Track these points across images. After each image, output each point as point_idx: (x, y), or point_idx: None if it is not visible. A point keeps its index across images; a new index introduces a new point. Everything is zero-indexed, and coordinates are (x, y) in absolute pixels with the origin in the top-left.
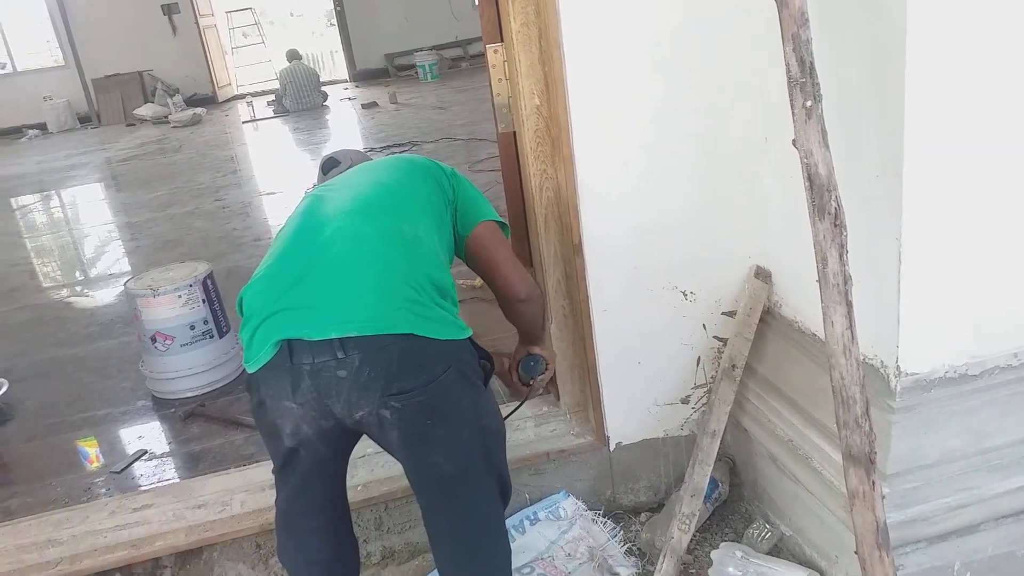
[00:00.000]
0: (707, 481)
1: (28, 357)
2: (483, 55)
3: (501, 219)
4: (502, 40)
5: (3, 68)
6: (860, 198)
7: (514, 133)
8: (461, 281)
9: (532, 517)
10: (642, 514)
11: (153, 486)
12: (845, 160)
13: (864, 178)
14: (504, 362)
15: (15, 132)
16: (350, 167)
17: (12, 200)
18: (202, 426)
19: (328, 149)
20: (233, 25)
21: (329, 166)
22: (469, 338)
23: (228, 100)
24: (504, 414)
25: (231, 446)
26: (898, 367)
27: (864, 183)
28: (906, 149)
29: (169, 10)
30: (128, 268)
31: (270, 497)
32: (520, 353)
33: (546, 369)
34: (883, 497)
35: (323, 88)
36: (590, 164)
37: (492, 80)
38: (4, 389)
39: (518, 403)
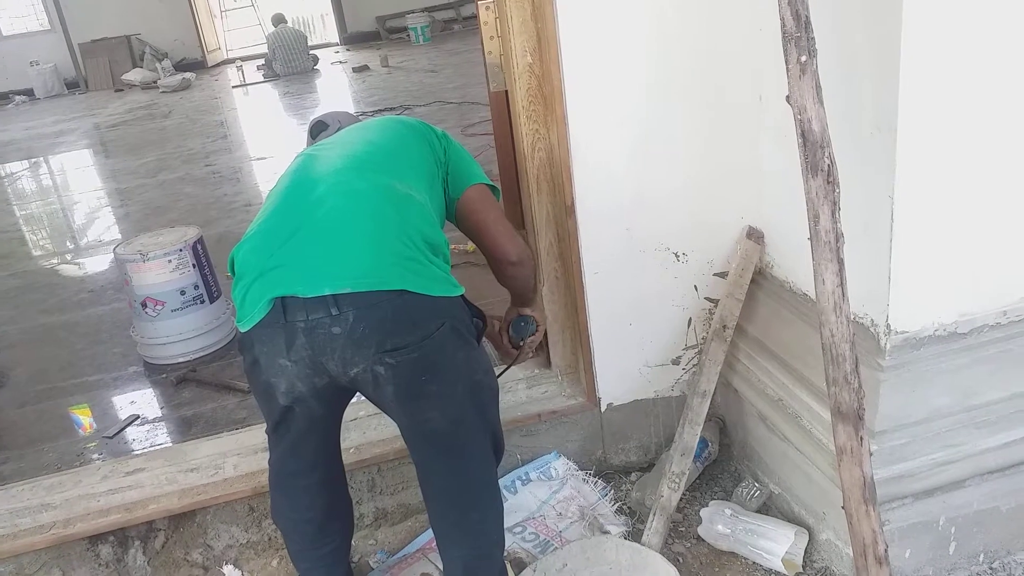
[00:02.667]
0: (697, 440)
1: (19, 324)
2: (476, 16)
3: (492, 183)
4: None
5: None
6: (853, 155)
7: (506, 92)
8: (453, 245)
9: (524, 477)
10: (632, 474)
11: (145, 451)
12: (839, 117)
13: (858, 135)
14: (495, 324)
15: (2, 98)
16: (339, 129)
17: (0, 167)
18: (194, 391)
19: (318, 113)
20: None
21: (318, 130)
22: (462, 296)
23: (218, 64)
24: (497, 373)
25: (223, 410)
26: (888, 325)
27: (858, 140)
28: (901, 106)
29: None
30: (118, 235)
31: (263, 460)
32: (511, 315)
33: (537, 330)
34: (870, 453)
35: (313, 52)
36: (583, 123)
37: (484, 38)
38: None
39: (507, 365)
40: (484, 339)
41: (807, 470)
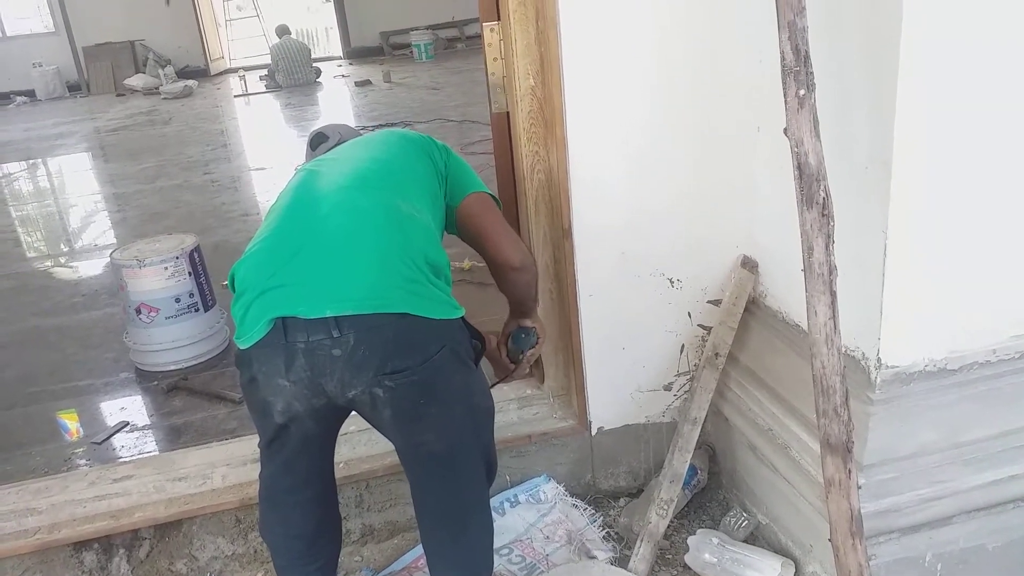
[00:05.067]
0: (687, 468)
1: (10, 325)
2: (479, 35)
3: (492, 192)
4: (499, 19)
5: None
6: (848, 189)
7: (507, 114)
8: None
9: (512, 499)
10: (621, 499)
11: (134, 458)
12: (834, 150)
13: (853, 169)
14: (492, 340)
15: (3, 98)
16: (339, 142)
17: None
18: (185, 399)
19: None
20: None
21: (318, 141)
22: (461, 317)
23: (220, 73)
24: (491, 384)
25: (213, 420)
26: (879, 359)
27: (853, 174)
28: (896, 142)
29: None
30: (114, 239)
31: (251, 471)
32: (511, 326)
33: (537, 342)
34: (859, 487)
35: (316, 64)
36: (583, 147)
37: (487, 59)
38: None
39: (503, 379)
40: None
41: (795, 501)
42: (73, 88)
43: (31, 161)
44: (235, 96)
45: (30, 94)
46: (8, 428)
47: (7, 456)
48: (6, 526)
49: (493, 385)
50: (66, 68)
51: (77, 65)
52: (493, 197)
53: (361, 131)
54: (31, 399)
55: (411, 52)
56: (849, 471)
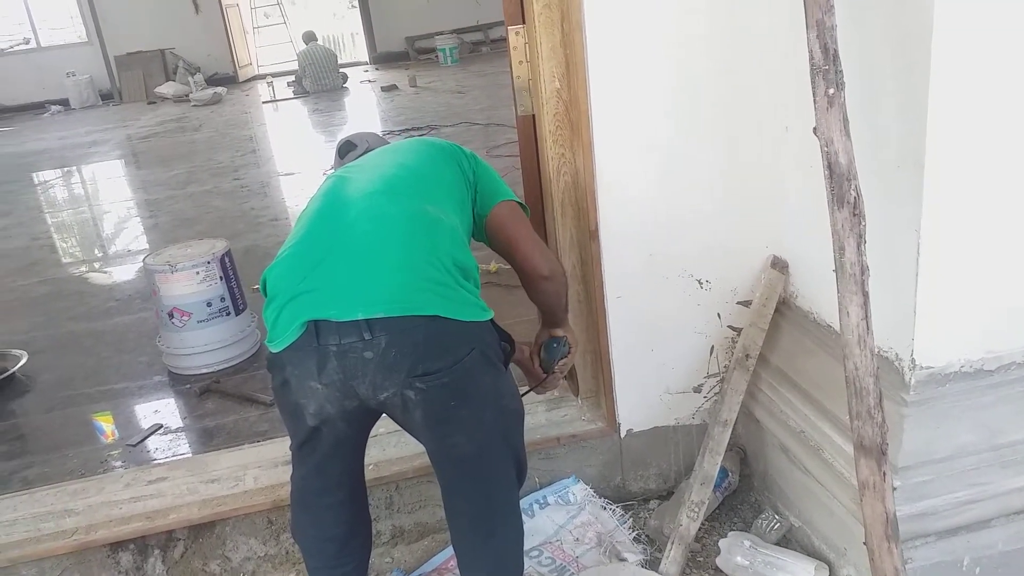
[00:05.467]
0: (717, 470)
1: (47, 330)
2: (504, 39)
3: (520, 200)
4: (524, 22)
5: (27, 43)
6: (880, 188)
7: (533, 117)
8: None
9: (542, 501)
10: (651, 501)
11: (168, 460)
12: (865, 149)
13: (884, 168)
14: (524, 350)
15: (38, 107)
16: (367, 150)
17: (34, 175)
18: (217, 402)
19: (347, 131)
20: (255, 5)
21: (346, 149)
22: (490, 320)
23: (249, 80)
24: (522, 392)
25: (245, 422)
26: (913, 360)
27: (884, 173)
28: (928, 139)
29: None
30: (146, 245)
31: (283, 473)
32: (542, 336)
33: (569, 352)
34: (893, 489)
35: (343, 70)
36: (609, 149)
37: (512, 63)
38: (24, 361)
39: (534, 388)
40: (513, 365)
41: (828, 504)
42: (106, 97)
43: (65, 169)
44: (263, 102)
45: (64, 103)
46: (46, 431)
47: (46, 458)
48: (45, 527)
49: (524, 394)
50: (99, 77)
51: (109, 74)
52: (521, 205)
53: (388, 139)
54: (68, 402)
55: (436, 56)
56: (884, 473)
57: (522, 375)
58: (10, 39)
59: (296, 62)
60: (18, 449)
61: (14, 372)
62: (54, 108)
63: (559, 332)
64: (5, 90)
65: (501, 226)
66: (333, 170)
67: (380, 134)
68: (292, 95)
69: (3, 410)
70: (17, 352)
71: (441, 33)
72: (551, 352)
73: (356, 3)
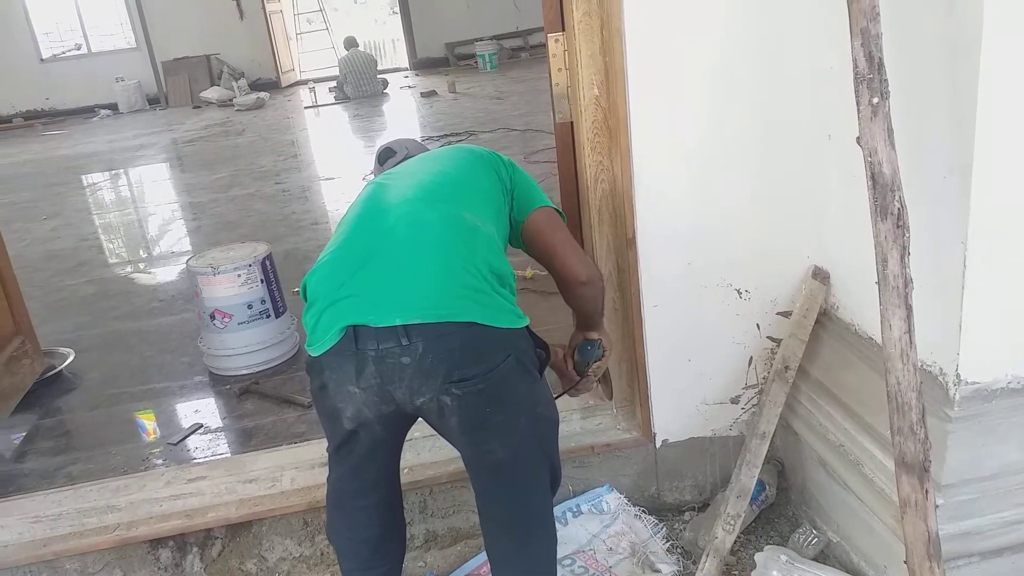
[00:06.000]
0: (754, 482)
1: (94, 329)
2: (543, 45)
3: (557, 207)
4: (564, 30)
5: (78, 49)
6: (925, 199)
7: (571, 124)
8: None
9: (575, 509)
10: (686, 513)
11: (207, 459)
12: (910, 159)
13: (930, 178)
14: (559, 352)
15: (88, 111)
16: (406, 156)
17: (83, 177)
18: (256, 403)
19: (386, 137)
20: (298, 11)
21: (385, 156)
22: (526, 327)
23: (291, 85)
24: (556, 394)
25: (283, 424)
26: (958, 375)
27: (929, 183)
28: (976, 149)
29: None
30: (189, 247)
31: (319, 475)
32: (576, 339)
33: (603, 355)
34: (936, 507)
35: (384, 76)
36: (648, 156)
37: (552, 70)
38: (71, 359)
39: (567, 390)
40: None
41: (868, 520)
42: (152, 101)
43: (113, 171)
44: (305, 107)
45: (113, 107)
46: (91, 427)
47: (90, 454)
48: (88, 522)
49: (558, 396)
50: (146, 82)
51: (156, 79)
52: (558, 211)
53: (427, 145)
54: (112, 400)
55: (475, 62)
56: (926, 491)
57: (555, 380)
58: (63, 45)
59: (337, 68)
60: (64, 445)
61: (61, 370)
62: (103, 112)
63: (594, 335)
64: (58, 94)
65: (538, 232)
66: (373, 176)
67: (419, 140)
68: (334, 100)
69: (50, 407)
70: (64, 350)
71: (481, 39)
72: (585, 355)
73: (397, 9)
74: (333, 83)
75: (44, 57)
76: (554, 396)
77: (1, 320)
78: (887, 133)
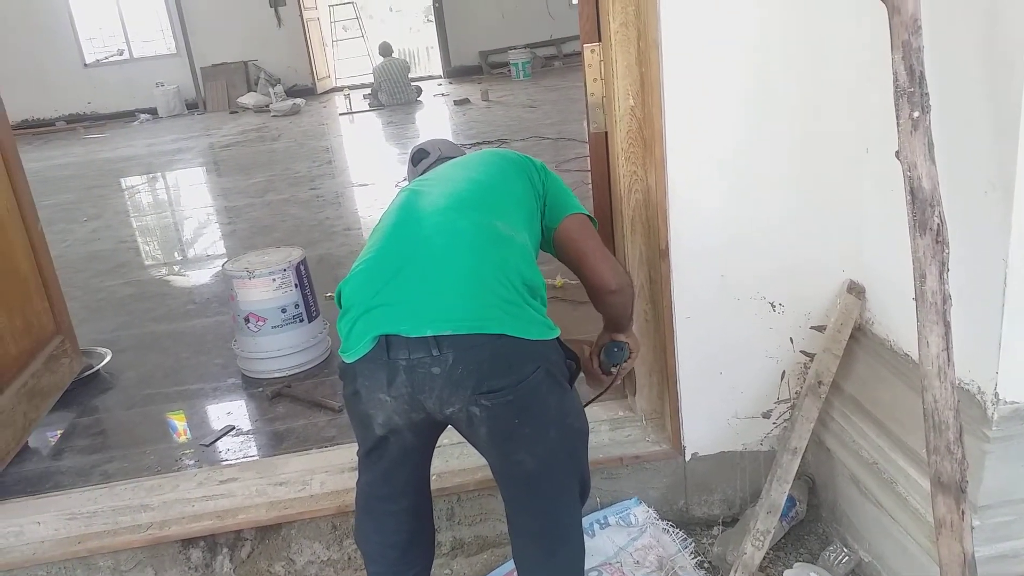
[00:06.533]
0: (785, 498)
1: (131, 330)
2: (576, 54)
3: (589, 213)
4: (600, 40)
5: (120, 55)
6: (965, 215)
7: (606, 134)
8: None
9: (602, 521)
10: (715, 527)
11: (239, 461)
12: (950, 174)
13: (970, 194)
14: (585, 350)
15: (128, 116)
16: (439, 157)
17: (122, 180)
18: (287, 406)
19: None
20: (335, 19)
21: (419, 157)
22: (557, 338)
23: (326, 92)
24: (585, 402)
25: (314, 427)
26: (996, 394)
27: (970, 199)
28: (1019, 165)
29: (276, 2)
30: (224, 250)
31: (349, 479)
32: (603, 339)
33: (630, 357)
34: (972, 529)
35: (418, 83)
36: (682, 167)
37: (587, 80)
38: (108, 359)
39: (599, 392)
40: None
41: (901, 540)
42: (191, 106)
43: (151, 175)
44: (340, 114)
45: (152, 111)
46: (127, 427)
47: (125, 453)
48: (122, 519)
49: (588, 404)
50: (185, 87)
51: (195, 84)
52: (590, 217)
53: (461, 146)
54: (147, 400)
55: (509, 71)
56: (962, 512)
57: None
58: (106, 51)
59: (372, 75)
60: (100, 443)
61: (98, 369)
62: (143, 116)
63: (621, 337)
64: (99, 99)
65: (569, 239)
66: (406, 180)
67: (451, 141)
68: (368, 107)
69: (87, 405)
70: (102, 350)
71: (515, 48)
72: (611, 356)
73: (432, 18)
74: (368, 90)
75: (88, 62)
76: (588, 401)
77: (43, 319)
78: (927, 147)
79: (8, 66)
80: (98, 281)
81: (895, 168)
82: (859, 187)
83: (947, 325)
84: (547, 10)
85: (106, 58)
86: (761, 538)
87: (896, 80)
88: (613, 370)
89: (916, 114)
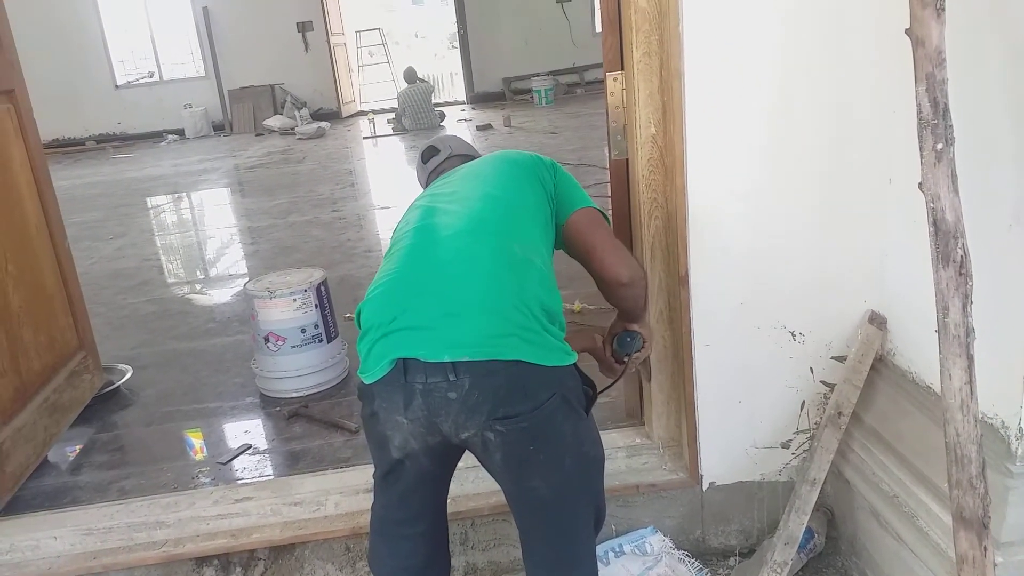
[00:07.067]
0: (803, 530)
1: (152, 347)
2: (598, 82)
3: (599, 208)
4: (623, 68)
5: (151, 77)
6: (989, 247)
7: (627, 161)
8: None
9: (617, 549)
10: (731, 558)
11: (254, 480)
12: (973, 205)
13: (995, 226)
14: (597, 338)
15: (156, 136)
16: (450, 155)
17: (148, 200)
18: (304, 426)
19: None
20: (361, 44)
21: (429, 154)
22: (574, 364)
23: (351, 116)
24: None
25: (330, 448)
26: (1020, 428)
27: (994, 231)
28: None
29: (304, 27)
30: (246, 270)
31: (363, 501)
32: (616, 328)
33: (643, 347)
34: (995, 565)
35: (441, 108)
36: (703, 195)
37: (609, 107)
38: (128, 376)
39: (612, 381)
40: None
41: (922, 575)
42: (217, 128)
43: (177, 194)
44: (364, 138)
45: (180, 132)
46: (146, 443)
47: (143, 470)
48: (138, 536)
49: (602, 391)
50: (212, 109)
51: (222, 106)
52: (601, 211)
53: (471, 145)
54: (166, 417)
55: (531, 97)
56: (984, 548)
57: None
58: (136, 72)
59: (396, 100)
60: (118, 460)
61: (119, 386)
62: (170, 137)
63: (634, 327)
64: (128, 119)
65: (578, 233)
66: (421, 192)
67: (460, 137)
68: (391, 132)
69: (107, 421)
70: (123, 367)
71: (537, 75)
72: (625, 346)
73: (456, 44)
74: (392, 115)
75: (119, 84)
76: (602, 389)
77: (66, 335)
78: (951, 179)
79: (42, 87)
80: (121, 298)
81: (918, 199)
82: (881, 218)
83: (970, 358)
84: (570, 38)
85: (136, 80)
86: (779, 570)
87: (920, 112)
88: (625, 359)
89: (940, 146)
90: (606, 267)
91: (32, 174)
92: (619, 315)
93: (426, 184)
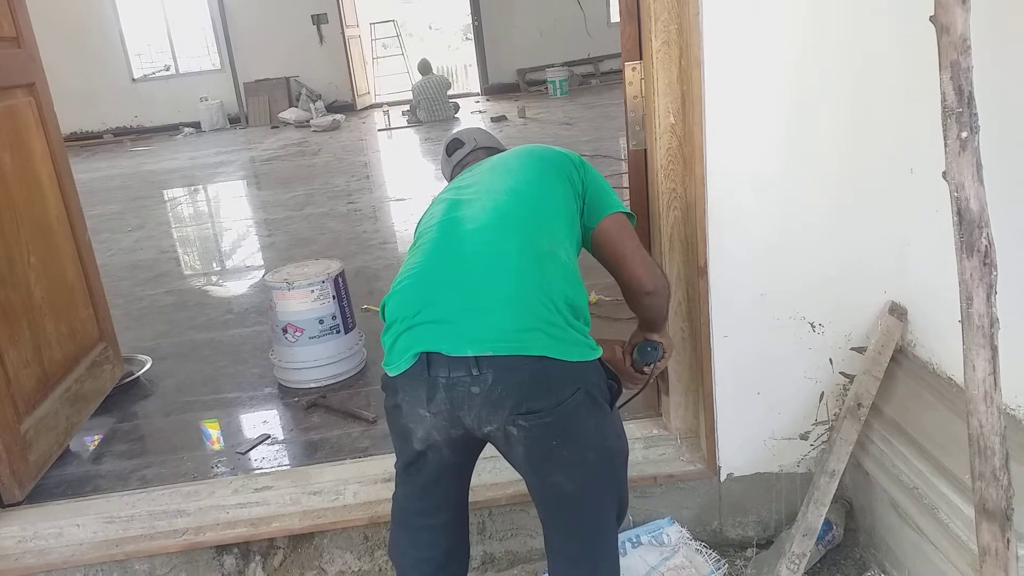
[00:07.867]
0: (821, 522)
1: (171, 338)
2: (613, 72)
3: (628, 211)
4: (641, 58)
5: (167, 70)
6: (1013, 236)
7: (645, 151)
8: None
9: (635, 540)
10: (749, 549)
11: (273, 469)
12: (997, 194)
13: (1020, 215)
14: (616, 350)
15: (173, 129)
16: (475, 148)
17: (165, 192)
18: (322, 416)
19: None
20: (376, 36)
21: (453, 147)
22: (598, 359)
23: (366, 108)
24: (622, 401)
25: (348, 438)
26: None
27: (1019, 220)
28: None
29: (318, 20)
30: (262, 262)
31: (382, 490)
32: (637, 338)
33: (663, 357)
34: (1018, 558)
35: (455, 100)
36: (722, 185)
37: (627, 97)
38: (148, 366)
39: (635, 392)
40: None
41: (943, 568)
42: (233, 120)
43: (193, 187)
44: (379, 130)
45: (196, 125)
46: (166, 433)
47: (163, 459)
48: (159, 524)
49: (630, 399)
50: (228, 102)
51: (238, 99)
52: (628, 214)
53: (495, 137)
54: (186, 407)
55: (546, 88)
56: (1008, 540)
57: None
58: (153, 66)
59: (411, 92)
60: (138, 449)
61: (139, 376)
62: (187, 130)
63: (655, 337)
64: (145, 112)
65: (607, 241)
66: (441, 166)
67: (484, 129)
68: (406, 124)
69: (127, 411)
70: (142, 357)
71: (552, 65)
72: (645, 355)
73: (471, 35)
74: (407, 106)
75: (136, 77)
76: (625, 401)
77: (87, 326)
78: (975, 168)
79: (61, 81)
80: (140, 290)
81: (940, 189)
82: (903, 208)
83: (994, 349)
84: (585, 29)
85: (153, 73)
86: (796, 561)
87: (944, 100)
88: (646, 369)
89: (964, 134)
90: (633, 276)
91: (53, 167)
92: (640, 325)
93: (451, 177)
